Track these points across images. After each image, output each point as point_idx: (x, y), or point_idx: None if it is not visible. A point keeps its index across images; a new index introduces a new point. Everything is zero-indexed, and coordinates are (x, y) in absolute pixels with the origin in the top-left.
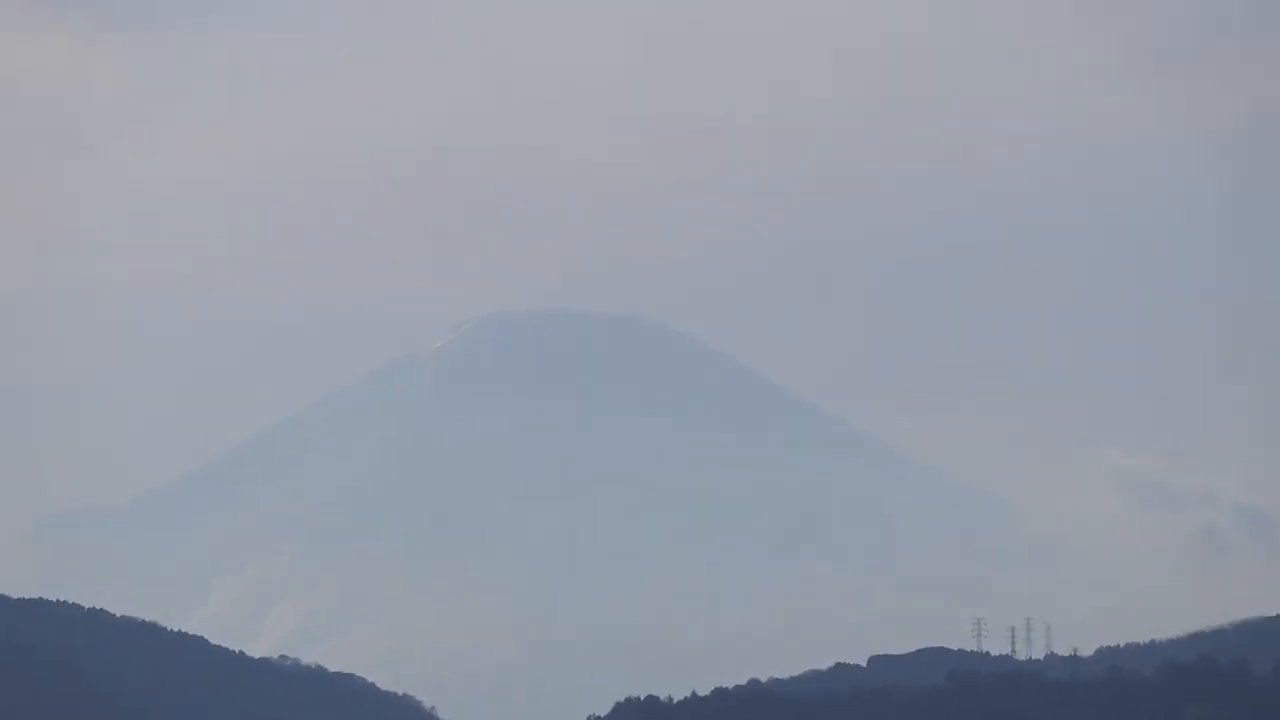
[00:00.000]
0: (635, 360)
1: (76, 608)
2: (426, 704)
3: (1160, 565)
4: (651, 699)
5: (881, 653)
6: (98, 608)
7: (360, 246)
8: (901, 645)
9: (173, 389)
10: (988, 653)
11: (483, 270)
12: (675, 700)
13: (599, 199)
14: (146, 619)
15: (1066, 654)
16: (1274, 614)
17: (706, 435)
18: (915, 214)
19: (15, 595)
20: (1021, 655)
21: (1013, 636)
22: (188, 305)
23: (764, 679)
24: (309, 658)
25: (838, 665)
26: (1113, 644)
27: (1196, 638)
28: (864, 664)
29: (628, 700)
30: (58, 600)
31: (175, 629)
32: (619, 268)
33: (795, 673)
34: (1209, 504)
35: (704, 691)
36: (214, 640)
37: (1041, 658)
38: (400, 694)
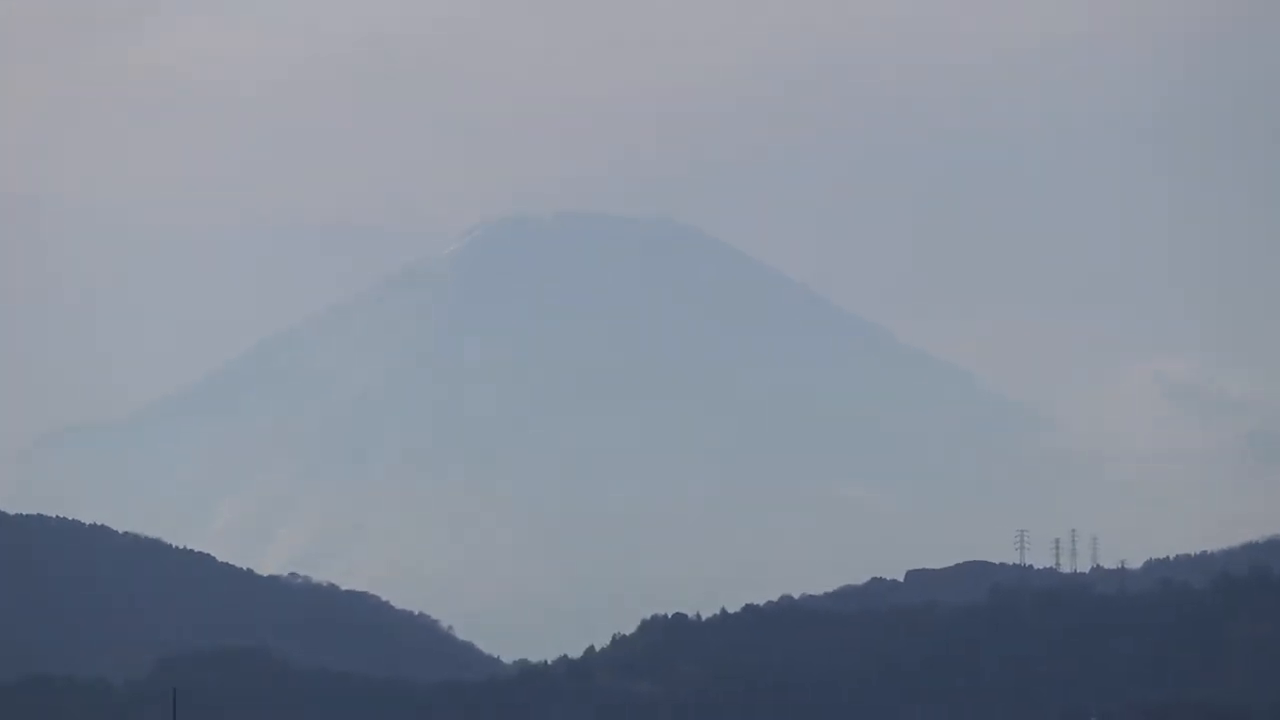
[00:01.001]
0: (659, 265)
1: (78, 524)
2: (444, 623)
3: (1210, 473)
4: (679, 616)
5: (920, 567)
6: (100, 524)
7: (368, 149)
8: (941, 559)
9: (172, 301)
10: (1031, 566)
11: (497, 174)
12: (704, 618)
13: (614, 99)
14: (150, 535)
15: (1113, 567)
16: None
17: (733, 343)
18: (949, 113)
19: (14, 512)
20: (1066, 568)
21: (1057, 549)
22: (187, 214)
23: (797, 595)
24: (320, 576)
25: (874, 580)
26: (1162, 556)
27: (1249, 548)
28: (902, 579)
29: (654, 618)
30: (58, 517)
31: (180, 546)
32: (642, 169)
33: (830, 588)
34: (1259, 409)
35: (734, 608)
36: (221, 558)
37: (1087, 571)
38: (416, 613)
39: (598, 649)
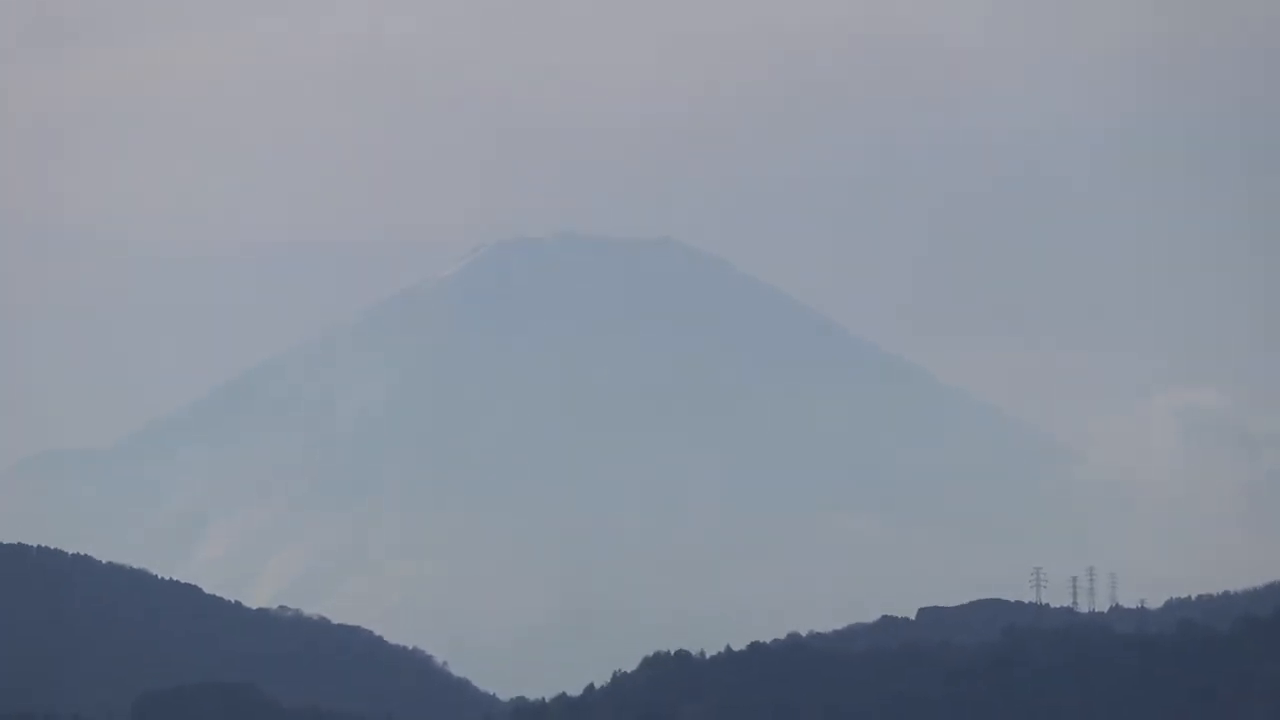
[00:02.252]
0: (663, 289)
1: (60, 554)
2: (438, 659)
3: (1235, 510)
4: (683, 654)
5: (932, 605)
6: (83, 554)
7: (365, 169)
8: (954, 597)
9: (163, 323)
10: (1047, 605)
11: (497, 194)
12: (709, 656)
13: (621, 117)
14: (135, 566)
15: (1133, 606)
16: None
17: (741, 370)
18: (967, 135)
19: None
20: (1084, 608)
21: (1074, 587)
22: (181, 232)
23: (804, 633)
24: (311, 609)
25: (884, 618)
26: (1183, 596)
27: (1274, 588)
28: (913, 617)
29: (656, 655)
30: (38, 546)
31: (166, 577)
32: (644, 190)
33: (838, 627)
34: None
35: (740, 646)
36: (208, 590)
37: (1106, 610)
38: (410, 648)
39: (598, 687)
